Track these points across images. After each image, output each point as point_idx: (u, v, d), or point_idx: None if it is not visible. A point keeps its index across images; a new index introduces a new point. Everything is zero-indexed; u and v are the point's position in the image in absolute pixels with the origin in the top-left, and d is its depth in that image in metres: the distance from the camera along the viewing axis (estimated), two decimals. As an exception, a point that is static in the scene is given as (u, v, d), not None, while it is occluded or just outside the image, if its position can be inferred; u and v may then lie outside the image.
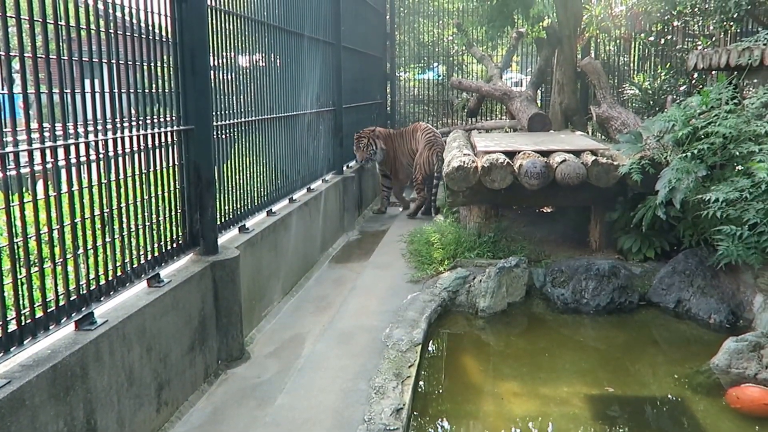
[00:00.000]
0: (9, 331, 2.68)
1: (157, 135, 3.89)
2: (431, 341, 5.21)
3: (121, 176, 3.53)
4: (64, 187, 3.07)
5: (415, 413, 4.03)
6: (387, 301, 5.62)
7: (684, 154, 5.54)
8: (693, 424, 3.95)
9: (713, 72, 6.55)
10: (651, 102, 9.98)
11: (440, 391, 4.51)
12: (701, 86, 8.79)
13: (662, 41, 11.25)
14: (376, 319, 5.16)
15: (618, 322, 5.59)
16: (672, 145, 5.95)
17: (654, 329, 5.51)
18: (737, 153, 5.23)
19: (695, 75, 9.47)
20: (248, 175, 5.38)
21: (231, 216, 4.97)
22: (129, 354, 3.32)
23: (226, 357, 4.45)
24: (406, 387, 4.03)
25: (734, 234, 4.80)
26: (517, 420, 4.02)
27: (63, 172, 3.07)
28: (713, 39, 9.65)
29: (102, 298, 3.31)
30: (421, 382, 4.47)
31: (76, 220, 3.12)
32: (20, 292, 2.75)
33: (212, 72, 4.52)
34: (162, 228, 3.96)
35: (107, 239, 3.37)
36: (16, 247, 2.73)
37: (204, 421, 3.75)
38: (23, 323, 2.76)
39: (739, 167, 5.27)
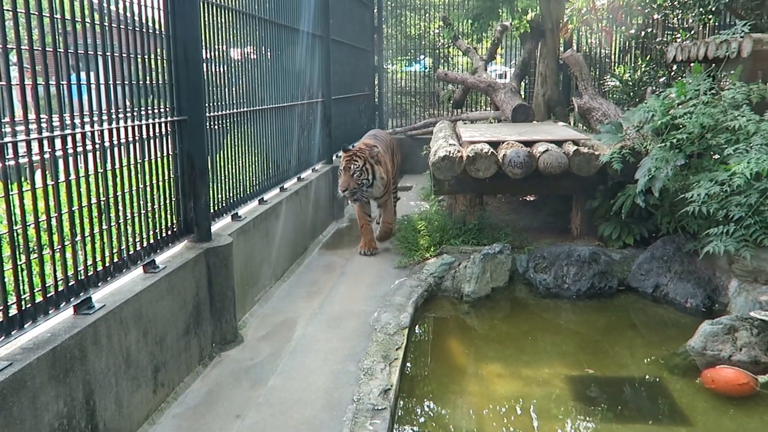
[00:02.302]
0: (10, 315, 2.75)
1: (151, 126, 3.97)
2: (418, 325, 5.34)
3: (117, 166, 3.61)
4: (62, 177, 3.15)
5: (402, 394, 4.15)
6: (375, 286, 5.74)
7: (663, 144, 5.68)
8: (669, 403, 4.07)
9: (692, 64, 6.69)
10: (631, 93, 10.11)
11: (426, 372, 4.63)
12: (680, 78, 8.95)
13: (642, 34, 11.40)
14: (364, 304, 5.29)
15: (598, 307, 5.75)
16: (651, 134, 6.08)
17: (632, 313, 5.66)
18: (714, 143, 5.38)
19: (674, 67, 9.62)
20: (240, 164, 5.48)
21: (224, 204, 5.07)
22: (126, 337, 3.42)
23: (220, 340, 4.56)
24: (393, 369, 4.15)
25: (723, 232, 4.89)
26: (501, 400, 4.14)
27: (60, 162, 3.16)
28: (692, 32, 9.81)
29: (99, 284, 3.39)
30: (408, 364, 4.59)
31: (73, 209, 3.20)
32: (20, 278, 2.82)
33: (205, 64, 4.61)
34: (157, 216, 4.05)
35: (104, 227, 3.45)
36: (15, 234, 2.80)
37: (199, 401, 3.86)
38: (23, 308, 2.83)
39: (716, 156, 5.43)
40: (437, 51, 14.23)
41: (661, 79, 9.86)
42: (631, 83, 10.30)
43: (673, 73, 9.78)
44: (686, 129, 5.50)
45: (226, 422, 3.62)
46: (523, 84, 12.33)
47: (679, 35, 10.10)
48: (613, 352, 4.89)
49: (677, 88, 5.99)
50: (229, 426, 3.58)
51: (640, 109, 6.20)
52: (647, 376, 4.49)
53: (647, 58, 11.00)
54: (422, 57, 14.49)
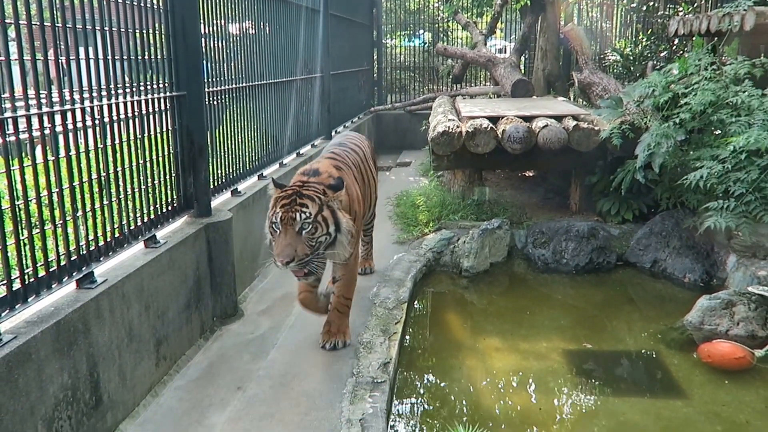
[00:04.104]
0: (14, 289, 2.78)
1: (150, 101, 3.97)
2: (417, 299, 5.39)
3: (117, 141, 3.62)
4: (62, 153, 3.16)
5: (401, 367, 4.21)
6: (375, 260, 5.76)
7: (664, 121, 5.67)
8: (666, 377, 4.12)
9: (694, 38, 6.64)
10: (632, 68, 10.05)
11: (425, 346, 4.67)
12: (682, 52, 8.89)
13: (644, 7, 11.30)
14: (364, 279, 5.29)
15: (596, 282, 5.79)
16: (652, 110, 6.06)
17: (630, 288, 5.70)
18: (715, 118, 5.37)
19: (676, 41, 9.55)
20: (239, 140, 5.48)
21: (223, 180, 5.09)
22: (128, 311, 3.45)
23: (221, 314, 4.60)
24: (392, 342, 4.20)
25: (722, 207, 4.89)
26: (499, 373, 4.19)
27: (60, 137, 3.16)
28: (695, 5, 9.73)
29: (101, 259, 3.42)
30: (407, 338, 4.64)
31: (74, 184, 3.21)
32: (23, 253, 2.85)
33: (203, 39, 4.59)
34: (157, 191, 4.06)
35: (105, 202, 3.48)
36: (17, 209, 2.82)
37: (201, 374, 3.91)
38: (27, 282, 2.87)
39: (717, 132, 5.42)
40: (437, 25, 14.13)
41: (662, 54, 9.80)
42: (632, 58, 10.23)
43: (674, 48, 9.71)
44: (688, 107, 5.47)
45: (228, 394, 3.67)
46: (522, 59, 12.25)
47: (681, 8, 10.00)
48: (610, 326, 4.94)
49: (679, 64, 5.95)
50: (231, 398, 3.63)
51: (641, 84, 6.18)
52: (644, 351, 4.53)
53: (648, 32, 10.91)
54: (421, 31, 14.40)
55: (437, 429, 3.59)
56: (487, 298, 5.55)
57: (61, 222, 3.12)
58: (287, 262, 3.52)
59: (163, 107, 4.13)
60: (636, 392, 3.97)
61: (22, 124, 2.90)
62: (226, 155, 5.16)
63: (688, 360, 4.32)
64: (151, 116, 3.98)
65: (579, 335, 4.73)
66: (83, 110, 3.31)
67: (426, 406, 3.87)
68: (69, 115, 3.20)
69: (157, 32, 4.09)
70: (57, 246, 3.09)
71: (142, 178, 3.87)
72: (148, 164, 3.95)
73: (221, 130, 5.07)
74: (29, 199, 2.90)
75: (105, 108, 3.51)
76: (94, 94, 3.42)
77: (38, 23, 2.97)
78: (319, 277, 4.14)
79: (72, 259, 3.18)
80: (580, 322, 5.02)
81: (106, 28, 3.54)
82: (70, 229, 3.20)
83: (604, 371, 4.25)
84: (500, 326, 4.94)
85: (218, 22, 5.00)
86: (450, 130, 6.51)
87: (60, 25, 3.14)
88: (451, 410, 3.79)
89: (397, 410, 3.79)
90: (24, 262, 2.86)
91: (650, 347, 4.56)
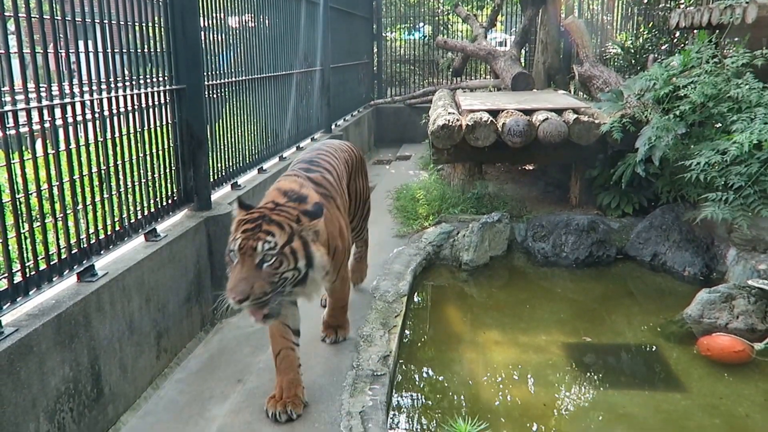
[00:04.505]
0: (15, 282, 2.79)
1: (150, 94, 3.97)
2: (416, 293, 5.39)
3: (116, 135, 3.62)
4: (62, 146, 3.17)
5: (401, 361, 4.21)
6: (374, 254, 5.73)
7: (665, 114, 5.66)
8: (665, 370, 4.13)
9: (695, 30, 6.61)
10: (633, 61, 10.04)
11: (425, 339, 4.67)
12: (683, 45, 8.87)
13: (645, 0, 11.28)
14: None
15: (596, 275, 5.79)
16: (652, 103, 6.05)
17: (630, 281, 5.70)
18: (716, 111, 5.36)
19: (677, 34, 9.54)
20: (239, 133, 5.48)
21: (223, 173, 5.09)
22: (129, 304, 3.46)
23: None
24: (392, 336, 4.20)
25: (720, 199, 4.86)
26: (498, 366, 4.20)
27: (60, 131, 3.17)
28: (696, -3, 9.71)
29: (102, 252, 3.44)
30: (406, 331, 4.65)
31: (74, 177, 3.22)
32: (24, 246, 2.86)
33: (203, 33, 4.58)
34: (157, 185, 4.07)
35: (105, 195, 3.49)
36: (18, 203, 2.83)
37: (201, 366, 3.92)
38: (28, 275, 2.88)
39: (718, 125, 5.41)
40: (437, 18, 14.09)
41: (663, 47, 9.79)
42: (632, 50, 10.22)
43: (675, 40, 9.69)
44: (689, 100, 5.46)
45: (228, 386, 3.68)
46: (523, 52, 12.22)
47: (682, 1, 9.98)
48: (610, 320, 4.94)
49: (682, 56, 5.93)
50: (231, 390, 3.64)
51: (642, 77, 6.15)
52: (644, 344, 4.53)
53: (650, 25, 10.90)
54: (421, 24, 14.35)
55: (437, 421, 3.60)
56: (487, 292, 5.55)
57: (61, 215, 3.13)
58: (240, 300, 2.75)
59: (162, 100, 4.14)
60: (635, 385, 3.98)
61: (22, 118, 2.90)
62: (226, 149, 5.16)
63: (688, 353, 4.32)
64: (150, 110, 3.99)
65: (578, 328, 4.74)
66: (83, 104, 3.31)
67: (425, 399, 3.88)
68: (69, 108, 3.20)
69: (156, 25, 4.09)
70: (58, 239, 3.10)
71: (142, 171, 3.87)
72: (148, 158, 3.96)
73: (221, 124, 5.07)
74: (30, 192, 2.90)
75: (105, 101, 3.52)
76: (94, 88, 3.43)
77: (37, 16, 2.97)
78: (297, 329, 3.45)
79: (73, 252, 3.19)
80: (579, 315, 5.02)
81: (106, 22, 3.53)
82: (71, 223, 3.21)
83: (604, 364, 4.25)
84: (500, 319, 4.95)
85: (218, 15, 4.99)
86: (450, 124, 6.51)
87: (59, 18, 3.14)
88: (450, 403, 3.80)
89: (397, 403, 3.80)
90: (25, 255, 2.87)
91: (650, 340, 4.56)
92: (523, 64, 11.35)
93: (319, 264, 3.00)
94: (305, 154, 4.02)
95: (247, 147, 5.65)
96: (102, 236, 3.45)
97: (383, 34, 13.74)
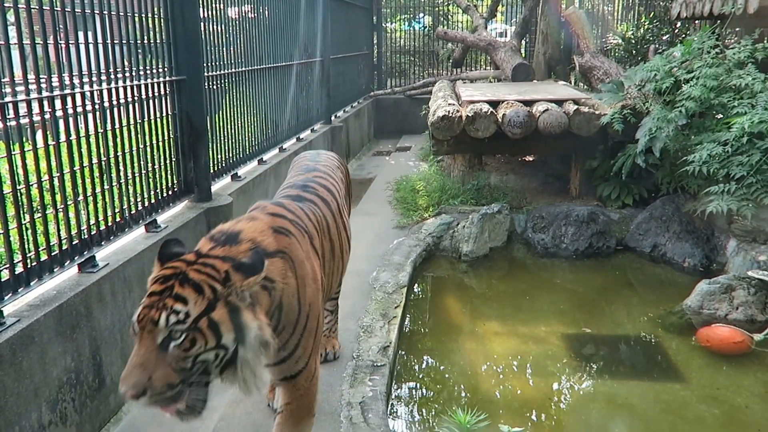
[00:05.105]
0: (16, 273, 2.79)
1: (149, 86, 3.96)
2: (416, 284, 5.40)
3: (117, 126, 3.61)
4: (63, 137, 3.17)
5: (401, 351, 4.23)
6: (374, 246, 5.78)
7: (665, 105, 5.65)
8: (665, 361, 4.15)
9: (696, 21, 6.59)
10: (633, 51, 10.01)
11: (425, 330, 4.70)
12: (684, 35, 8.84)
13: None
14: (364, 263, 5.32)
15: (595, 266, 5.80)
16: (653, 94, 6.04)
17: (630, 272, 5.71)
18: (717, 102, 5.34)
19: (678, 24, 9.51)
20: (239, 124, 5.47)
21: (223, 164, 5.09)
22: (130, 295, 3.47)
23: (222, 300, 4.61)
24: (392, 326, 4.22)
25: (723, 191, 4.86)
26: (498, 357, 4.22)
27: (61, 122, 3.17)
28: (697, -12, 9.66)
29: (103, 243, 3.44)
30: (406, 322, 4.67)
31: (75, 169, 3.22)
32: (25, 237, 2.86)
33: (202, 23, 4.57)
34: (157, 176, 4.06)
35: (105, 187, 3.48)
36: (19, 194, 2.82)
37: (202, 358, 3.93)
38: (29, 266, 2.88)
39: (719, 116, 5.40)
40: (437, 9, 14.05)
41: (664, 37, 9.75)
42: (633, 41, 10.18)
43: (677, 31, 9.66)
44: (690, 89, 5.44)
45: (230, 378, 3.69)
46: (523, 42, 12.19)
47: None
48: (609, 310, 4.96)
49: (684, 47, 5.91)
50: (232, 381, 3.65)
51: (643, 68, 6.14)
52: (643, 335, 4.55)
53: (651, 15, 10.85)
54: (421, 15, 14.31)
55: (436, 412, 3.62)
56: (487, 283, 5.56)
57: (62, 206, 3.13)
58: (134, 396, 1.85)
59: (162, 92, 4.13)
60: (634, 376, 4.00)
61: (23, 109, 2.90)
62: (226, 140, 5.15)
63: (687, 344, 4.34)
64: (150, 101, 3.98)
65: (578, 319, 4.75)
66: (83, 95, 3.31)
67: (425, 390, 3.90)
68: (69, 99, 3.20)
69: (156, 16, 4.08)
70: (58, 230, 3.10)
71: (142, 162, 3.87)
72: (148, 149, 3.95)
73: (221, 115, 5.06)
74: (30, 183, 2.90)
75: (105, 92, 3.51)
76: (94, 79, 3.42)
77: (37, 7, 2.96)
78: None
79: (73, 243, 3.19)
80: (579, 306, 5.04)
81: (106, 12, 3.52)
82: (72, 214, 3.20)
83: (603, 355, 4.27)
84: (499, 310, 4.96)
85: (217, 5, 4.98)
86: (450, 115, 6.50)
87: (59, 9, 3.13)
88: (450, 393, 3.82)
89: (397, 393, 3.82)
90: (26, 246, 2.87)
91: (649, 331, 4.57)
92: (523, 55, 11.32)
93: (254, 339, 2.05)
94: (303, 154, 3.64)
95: (247, 138, 5.65)
96: (103, 227, 3.45)
97: (383, 25, 13.70)
